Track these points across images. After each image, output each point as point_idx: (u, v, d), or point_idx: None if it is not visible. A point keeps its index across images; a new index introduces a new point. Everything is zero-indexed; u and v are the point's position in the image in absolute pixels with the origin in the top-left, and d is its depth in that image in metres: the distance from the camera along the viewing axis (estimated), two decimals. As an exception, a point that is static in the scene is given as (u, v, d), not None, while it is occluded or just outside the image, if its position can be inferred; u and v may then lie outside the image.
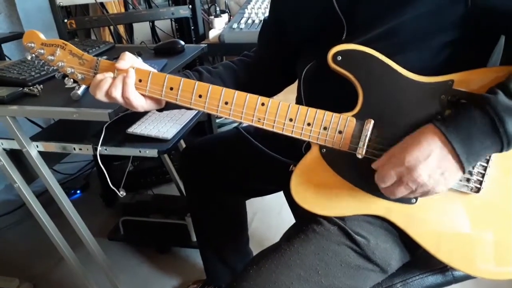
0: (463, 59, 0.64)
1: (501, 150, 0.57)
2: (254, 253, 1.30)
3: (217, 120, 1.93)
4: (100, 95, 0.71)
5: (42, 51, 0.73)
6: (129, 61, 0.71)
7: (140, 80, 0.71)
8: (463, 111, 0.58)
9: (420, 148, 0.57)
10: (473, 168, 0.65)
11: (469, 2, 0.59)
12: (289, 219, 0.91)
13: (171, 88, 0.70)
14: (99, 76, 0.71)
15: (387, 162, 0.61)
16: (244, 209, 1.22)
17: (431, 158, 0.57)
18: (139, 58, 0.95)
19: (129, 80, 0.70)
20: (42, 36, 0.74)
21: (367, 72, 0.64)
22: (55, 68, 0.75)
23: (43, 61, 0.75)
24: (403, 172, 0.58)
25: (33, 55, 0.74)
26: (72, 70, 0.74)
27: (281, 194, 1.05)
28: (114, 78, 0.70)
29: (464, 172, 0.58)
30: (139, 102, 0.72)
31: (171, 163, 1.65)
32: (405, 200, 0.67)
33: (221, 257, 1.21)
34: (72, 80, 0.76)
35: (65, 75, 0.75)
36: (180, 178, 1.68)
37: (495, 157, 0.65)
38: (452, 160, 0.57)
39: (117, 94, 0.70)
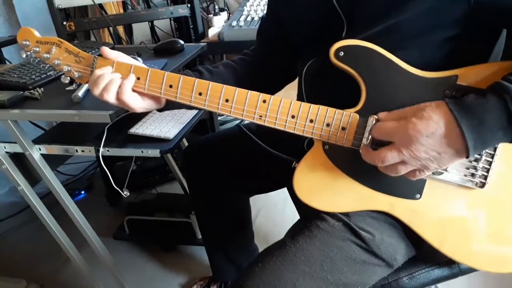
0: (465, 54, 0.63)
1: (510, 141, 0.56)
2: (259, 249, 1.30)
3: (219, 118, 1.93)
4: (97, 92, 0.70)
5: (37, 49, 0.72)
6: (113, 53, 0.71)
7: (138, 78, 0.70)
8: (480, 97, 0.56)
9: (427, 123, 0.55)
10: (478, 162, 0.65)
11: None
12: (294, 215, 0.91)
13: (171, 86, 0.70)
14: (97, 72, 0.70)
15: (393, 120, 0.60)
16: (248, 205, 1.22)
17: (434, 136, 0.55)
18: (139, 58, 0.95)
19: (126, 84, 0.69)
20: (37, 33, 0.72)
21: (370, 68, 0.64)
22: (51, 66, 0.73)
23: (38, 59, 0.73)
24: (403, 138, 0.57)
25: (28, 53, 0.72)
26: (69, 68, 0.73)
27: (285, 189, 1.05)
28: (109, 82, 0.69)
29: (467, 157, 0.56)
30: (137, 104, 0.72)
31: (174, 162, 1.66)
32: (409, 195, 0.67)
33: (226, 254, 1.22)
34: (68, 78, 0.74)
35: (61, 73, 0.74)
36: (183, 177, 1.68)
37: (500, 151, 0.64)
38: (456, 145, 0.55)
39: (109, 98, 0.69)
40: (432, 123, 0.55)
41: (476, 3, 0.58)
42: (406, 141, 0.56)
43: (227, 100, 0.68)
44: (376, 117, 0.64)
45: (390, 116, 0.62)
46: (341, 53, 0.64)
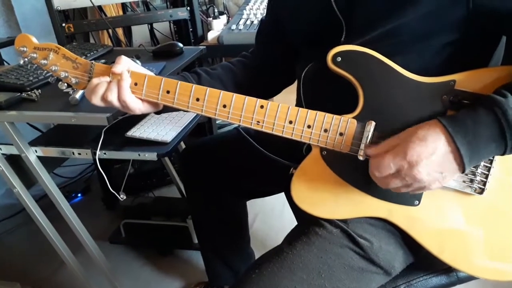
0: (464, 60, 0.63)
1: (502, 154, 0.57)
2: (256, 254, 1.29)
3: (217, 122, 1.93)
4: (96, 100, 0.69)
5: (34, 55, 0.72)
6: (124, 64, 0.70)
7: (136, 84, 0.70)
8: (471, 112, 0.56)
9: (424, 145, 0.56)
10: (477, 169, 0.64)
11: (470, 4, 0.58)
12: (291, 220, 0.90)
13: (168, 92, 0.69)
14: (94, 81, 0.70)
15: (386, 152, 0.59)
16: (245, 209, 1.22)
17: (434, 157, 0.56)
18: (137, 61, 0.94)
19: (124, 83, 0.68)
20: (34, 40, 0.72)
21: (367, 73, 0.64)
22: (48, 72, 0.73)
23: (36, 65, 0.73)
24: (403, 166, 0.57)
25: (26, 59, 0.72)
26: (66, 74, 0.72)
27: (282, 194, 1.05)
28: (109, 82, 0.69)
29: (463, 172, 0.57)
30: (136, 105, 0.71)
31: (172, 165, 1.65)
32: (407, 202, 0.67)
33: (222, 258, 1.21)
34: (66, 84, 0.74)
35: (59, 79, 0.74)
36: (181, 180, 1.67)
37: (498, 157, 0.64)
38: (454, 161, 0.56)
39: (113, 97, 0.69)
40: (429, 143, 0.56)
41: (475, 8, 0.58)
42: (407, 168, 0.57)
43: (224, 106, 0.68)
44: (374, 122, 0.64)
45: (380, 149, 0.61)
46: (339, 59, 0.64)
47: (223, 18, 1.76)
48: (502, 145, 0.55)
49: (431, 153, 0.56)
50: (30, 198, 1.10)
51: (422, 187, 0.59)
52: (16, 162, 1.08)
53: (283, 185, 0.84)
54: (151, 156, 0.97)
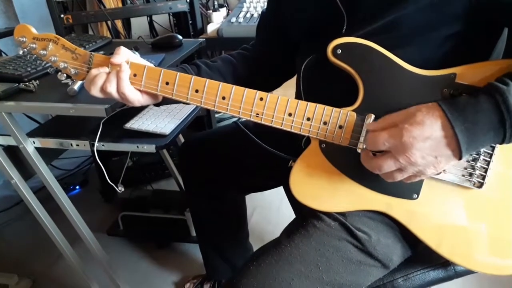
0: (465, 53, 0.62)
1: (501, 143, 0.56)
2: (254, 247, 1.30)
3: (217, 115, 1.92)
4: (95, 91, 0.69)
5: (33, 45, 0.72)
6: (123, 55, 0.70)
7: (135, 75, 0.70)
8: (472, 98, 0.55)
9: (421, 129, 0.55)
10: (476, 162, 0.64)
11: None
12: (289, 214, 0.90)
13: (167, 83, 0.69)
14: (93, 71, 0.69)
15: (384, 129, 0.58)
16: (244, 204, 1.22)
17: (429, 140, 0.55)
18: (136, 53, 0.94)
19: (123, 74, 0.68)
20: (33, 30, 0.72)
21: (368, 66, 0.63)
22: (47, 63, 0.73)
23: (35, 55, 0.73)
24: (398, 146, 0.56)
25: (25, 49, 0.72)
26: (65, 65, 0.72)
27: (281, 188, 1.05)
28: (108, 73, 0.69)
29: (459, 159, 0.56)
30: (135, 97, 0.71)
31: (170, 158, 1.65)
32: (406, 195, 0.67)
33: (220, 252, 1.21)
34: (65, 75, 0.74)
35: (58, 70, 0.74)
36: (179, 173, 1.67)
37: (499, 151, 0.64)
38: (450, 146, 0.55)
39: (112, 89, 0.68)
40: (426, 127, 0.55)
41: (477, 0, 0.58)
42: (401, 149, 0.56)
43: (223, 98, 0.68)
44: (374, 115, 0.63)
45: (379, 125, 0.60)
46: (339, 51, 0.64)
47: (223, 11, 1.75)
48: (501, 133, 0.54)
49: (427, 136, 0.55)
50: (28, 190, 1.10)
51: (417, 171, 0.57)
52: (14, 153, 1.07)
53: (281, 179, 0.84)
54: (149, 148, 0.97)
